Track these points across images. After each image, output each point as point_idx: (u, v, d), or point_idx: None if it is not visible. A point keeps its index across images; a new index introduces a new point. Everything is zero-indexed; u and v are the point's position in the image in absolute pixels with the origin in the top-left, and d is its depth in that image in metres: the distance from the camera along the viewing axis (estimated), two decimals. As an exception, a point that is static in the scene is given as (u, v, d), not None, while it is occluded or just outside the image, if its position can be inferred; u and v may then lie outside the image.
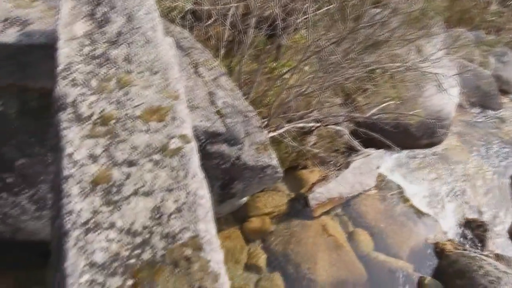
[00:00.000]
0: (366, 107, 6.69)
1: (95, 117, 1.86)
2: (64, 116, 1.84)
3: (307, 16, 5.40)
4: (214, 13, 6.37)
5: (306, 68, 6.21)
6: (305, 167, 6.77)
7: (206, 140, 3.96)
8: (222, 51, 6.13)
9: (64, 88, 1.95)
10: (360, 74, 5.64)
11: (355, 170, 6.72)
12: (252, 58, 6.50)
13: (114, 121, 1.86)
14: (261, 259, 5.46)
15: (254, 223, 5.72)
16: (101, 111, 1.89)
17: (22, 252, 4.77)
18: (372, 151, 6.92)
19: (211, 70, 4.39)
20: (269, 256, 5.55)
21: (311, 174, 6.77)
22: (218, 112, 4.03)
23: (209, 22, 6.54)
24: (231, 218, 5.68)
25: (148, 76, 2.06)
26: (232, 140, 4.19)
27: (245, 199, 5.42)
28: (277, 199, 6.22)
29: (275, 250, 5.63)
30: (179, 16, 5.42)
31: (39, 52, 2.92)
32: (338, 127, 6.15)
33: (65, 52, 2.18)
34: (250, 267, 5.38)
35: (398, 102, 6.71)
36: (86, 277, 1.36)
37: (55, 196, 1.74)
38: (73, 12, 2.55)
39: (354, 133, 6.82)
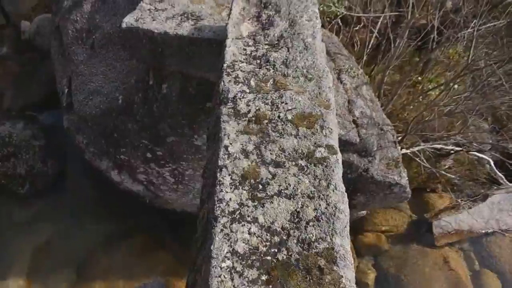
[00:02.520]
0: (521, 138, 5.87)
1: (250, 114, 2.00)
2: (225, 110, 2.02)
3: (468, 30, 4.95)
4: (364, 19, 6.25)
5: (456, 86, 5.70)
6: (434, 191, 6.28)
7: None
8: (365, 58, 5.99)
9: (227, 84, 2.13)
10: (522, 101, 4.97)
11: (494, 205, 5.99)
12: (395, 68, 6.22)
13: (266, 121, 1.98)
14: (370, 277, 5.26)
15: (369, 238, 5.53)
16: (256, 110, 2.03)
17: (154, 216, 5.42)
18: (518, 187, 6.07)
19: (354, 78, 4.34)
20: (379, 276, 5.33)
21: (440, 200, 6.25)
22: (354, 122, 3.98)
23: (356, 28, 6.45)
24: (345, 228, 5.57)
25: (302, 82, 2.13)
26: (363, 151, 4.10)
27: (364, 212, 5.27)
28: (397, 218, 5.90)
29: (387, 271, 5.37)
30: (328, 20, 5.46)
31: (205, 46, 3.23)
32: (481, 155, 5.54)
33: (231, 50, 2.38)
34: (356, 282, 5.23)
35: None
36: (227, 263, 1.49)
37: (207, 181, 1.93)
38: (242, 13, 2.76)
39: (499, 165, 6.06)
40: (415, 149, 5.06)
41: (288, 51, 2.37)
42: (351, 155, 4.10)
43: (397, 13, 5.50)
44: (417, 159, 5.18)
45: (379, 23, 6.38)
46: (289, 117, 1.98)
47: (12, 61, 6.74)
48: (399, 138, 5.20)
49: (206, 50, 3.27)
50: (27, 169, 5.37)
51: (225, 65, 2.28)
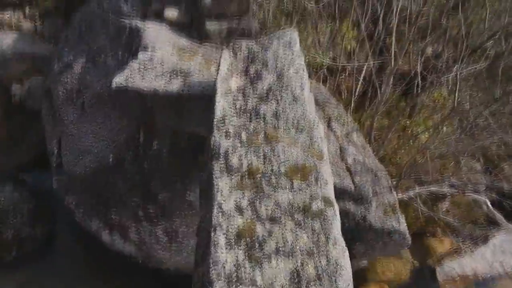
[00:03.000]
0: (515, 177, 5.88)
1: (243, 169, 1.96)
2: (217, 166, 1.98)
3: (452, 74, 5.09)
4: (349, 68, 6.42)
5: (444, 128, 5.78)
6: (433, 235, 6.13)
7: (333, 195, 3.88)
8: (353, 105, 6.09)
9: (218, 139, 2.11)
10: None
11: (496, 247, 5.85)
12: (383, 114, 6.31)
13: (260, 175, 1.94)
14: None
15: (372, 289, 5.31)
16: (249, 164, 1.99)
17: (147, 277, 5.17)
18: (518, 227, 5.97)
19: (344, 125, 4.37)
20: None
21: (440, 244, 6.09)
22: (347, 169, 3.95)
23: (342, 77, 6.60)
24: (347, 279, 5.36)
25: (294, 133, 2.12)
26: (359, 198, 4.03)
27: (365, 262, 5.10)
28: (399, 266, 5.70)
29: (394, 323, 5.11)
30: (315, 70, 5.58)
31: (195, 101, 3.26)
32: (477, 196, 5.49)
33: (221, 105, 2.39)
34: None
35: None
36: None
37: (201, 241, 1.85)
38: (230, 69, 2.81)
39: (496, 205, 6.00)
40: (411, 193, 5.01)
41: (278, 103, 2.38)
42: (347, 203, 4.03)
43: (380, 61, 5.67)
44: (414, 203, 5.11)
45: (364, 71, 6.54)
46: (283, 170, 1.95)
47: (2, 124, 6.71)
48: (394, 182, 5.16)
49: (196, 105, 3.29)
50: (15, 233, 5.17)
51: (215, 120, 2.27)
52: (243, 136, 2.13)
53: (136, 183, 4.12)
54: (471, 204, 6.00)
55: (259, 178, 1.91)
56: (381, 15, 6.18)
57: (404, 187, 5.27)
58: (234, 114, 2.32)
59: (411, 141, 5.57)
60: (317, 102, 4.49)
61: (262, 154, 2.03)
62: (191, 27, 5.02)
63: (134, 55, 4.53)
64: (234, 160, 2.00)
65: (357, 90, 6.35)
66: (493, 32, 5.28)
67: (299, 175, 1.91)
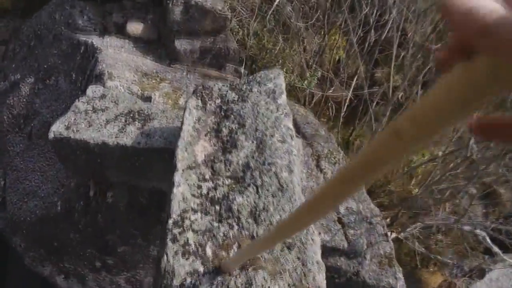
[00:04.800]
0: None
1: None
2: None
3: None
4: (337, 82, 5.88)
5: (440, 153, 5.29)
6: (426, 266, 5.70)
7: (323, 253, 3.31)
8: (342, 121, 5.58)
9: (172, 260, 1.50)
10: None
11: (492, 283, 5.45)
12: (370, 130, 5.81)
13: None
14: None
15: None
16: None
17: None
18: (516, 260, 5.57)
19: (335, 164, 3.80)
20: None
21: (433, 277, 5.66)
22: (339, 221, 3.39)
23: (330, 91, 6.06)
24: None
25: (279, 253, 1.52)
26: (352, 253, 3.48)
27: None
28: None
29: None
30: (301, 89, 5.00)
31: (155, 155, 2.62)
32: (476, 231, 5.04)
33: (180, 194, 1.76)
34: None
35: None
36: None
37: None
38: (197, 127, 2.18)
39: (493, 235, 5.58)
40: (406, 233, 4.51)
41: (257, 192, 1.77)
42: (338, 259, 3.48)
43: (373, 90, 5.12)
44: (408, 242, 4.62)
45: (353, 84, 6.02)
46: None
47: None
48: (388, 219, 4.66)
49: (156, 159, 2.65)
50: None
51: (170, 221, 1.64)
52: (209, 251, 1.52)
53: (90, 236, 3.47)
54: (465, 233, 5.57)
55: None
56: (373, 25, 5.65)
57: (400, 223, 4.78)
58: (198, 208, 1.70)
59: (405, 169, 5.06)
60: (304, 136, 3.90)
61: None
62: (160, 43, 4.35)
63: (89, 79, 3.86)
64: (194, 296, 1.39)
65: (345, 105, 5.84)
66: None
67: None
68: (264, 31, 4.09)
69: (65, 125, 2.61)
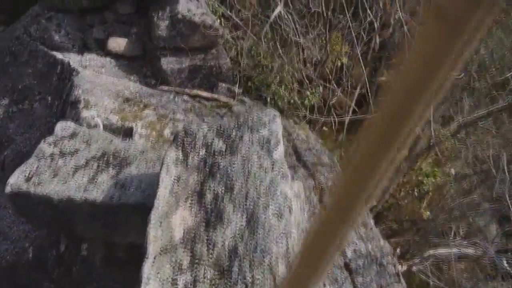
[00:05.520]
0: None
1: None
2: None
3: (466, 118, 4.18)
4: (340, 93, 5.50)
5: (452, 171, 4.90)
6: (436, 290, 5.34)
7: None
8: (344, 134, 5.22)
9: None
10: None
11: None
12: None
13: None
14: None
15: None
16: None
17: None
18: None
19: (340, 197, 3.39)
20: None
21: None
22: (346, 267, 3.01)
23: (332, 101, 5.67)
24: None
25: None
26: (361, 301, 3.10)
27: None
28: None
29: None
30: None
31: (131, 211, 2.23)
32: (493, 257, 4.67)
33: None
34: None
35: None
36: None
37: None
38: (175, 190, 1.78)
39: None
40: (419, 265, 4.14)
41: (247, 294, 1.39)
42: (344, 307, 3.10)
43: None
44: (420, 274, 4.25)
45: (356, 95, 5.66)
46: None
47: None
48: (398, 250, 4.27)
49: (133, 214, 2.26)
50: None
51: None
52: None
53: (65, 287, 3.09)
54: (482, 263, 5.20)
55: None
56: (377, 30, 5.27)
57: (411, 254, 4.40)
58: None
59: (415, 191, 4.67)
60: (305, 166, 3.51)
61: None
62: (145, 59, 3.94)
63: (64, 105, 3.46)
64: None
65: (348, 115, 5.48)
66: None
67: None
68: (260, 46, 3.68)
69: (25, 176, 2.22)
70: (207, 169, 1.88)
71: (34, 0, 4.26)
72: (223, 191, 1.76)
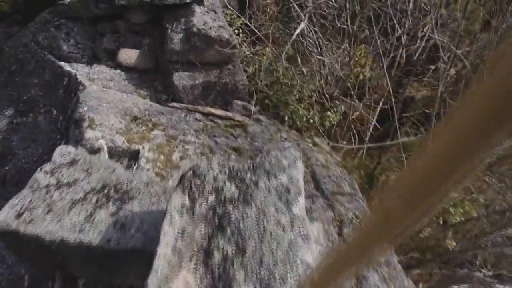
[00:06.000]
0: None
1: None
2: None
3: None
4: (361, 108, 5.22)
5: (482, 200, 4.56)
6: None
7: None
8: (365, 152, 4.94)
9: None
10: None
11: None
12: (402, 163, 5.11)
13: None
14: None
15: None
16: None
17: None
18: None
19: (361, 231, 3.10)
20: None
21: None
22: (367, 312, 2.72)
23: (353, 116, 5.38)
24: None
25: None
26: None
27: None
28: None
29: None
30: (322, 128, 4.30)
31: (130, 256, 1.99)
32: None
33: None
34: None
35: None
36: None
37: None
38: (179, 246, 1.54)
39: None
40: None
41: None
42: None
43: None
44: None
45: (378, 109, 5.36)
46: None
47: None
48: (420, 285, 3.96)
49: (133, 259, 2.03)
50: None
51: None
52: None
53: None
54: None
55: None
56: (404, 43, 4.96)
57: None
58: None
59: (440, 220, 4.34)
60: (324, 195, 3.24)
61: None
62: (158, 72, 3.72)
63: (69, 122, 3.26)
64: None
65: (368, 134, 5.19)
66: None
67: None
68: (280, 62, 3.42)
69: (16, 211, 2.00)
70: (216, 221, 1.63)
71: (48, 2, 4.07)
72: (233, 252, 1.50)
